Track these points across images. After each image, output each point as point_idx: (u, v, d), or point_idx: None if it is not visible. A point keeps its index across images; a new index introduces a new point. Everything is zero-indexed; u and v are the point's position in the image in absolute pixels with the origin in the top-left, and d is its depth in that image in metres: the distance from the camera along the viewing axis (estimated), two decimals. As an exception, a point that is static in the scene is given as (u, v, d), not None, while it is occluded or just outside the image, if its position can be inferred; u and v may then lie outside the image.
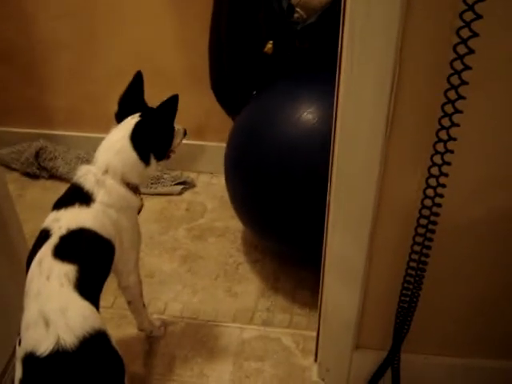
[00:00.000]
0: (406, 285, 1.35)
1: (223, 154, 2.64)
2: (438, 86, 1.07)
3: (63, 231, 1.36)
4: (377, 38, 1.07)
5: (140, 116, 1.57)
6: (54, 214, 1.43)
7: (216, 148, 2.62)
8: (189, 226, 2.46)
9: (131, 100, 1.63)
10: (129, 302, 1.77)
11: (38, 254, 1.33)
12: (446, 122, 1.10)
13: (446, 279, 1.40)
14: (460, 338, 1.55)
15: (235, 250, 2.34)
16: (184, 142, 2.63)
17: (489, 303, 1.45)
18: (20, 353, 1.19)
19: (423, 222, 1.24)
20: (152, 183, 2.59)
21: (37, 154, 2.68)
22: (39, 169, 2.71)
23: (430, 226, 1.24)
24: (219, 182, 2.67)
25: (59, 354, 1.15)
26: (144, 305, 1.80)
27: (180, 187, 2.62)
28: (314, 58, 2.00)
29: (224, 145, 2.61)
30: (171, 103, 1.60)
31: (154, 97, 2.54)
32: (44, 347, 1.15)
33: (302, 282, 2.17)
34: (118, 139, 1.53)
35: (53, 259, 1.30)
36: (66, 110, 2.72)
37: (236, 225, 2.43)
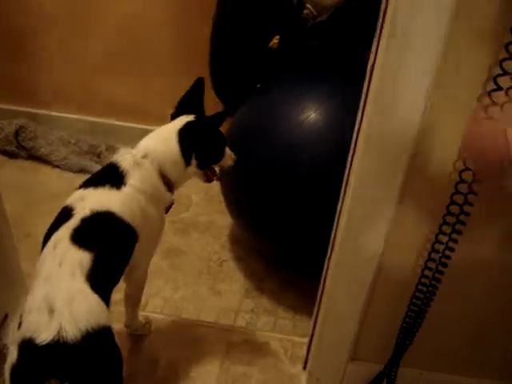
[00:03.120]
0: (414, 300, 1.32)
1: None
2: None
3: (86, 212, 1.28)
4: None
5: (195, 117, 1.55)
6: (80, 192, 1.36)
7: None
8: (172, 219, 2.38)
9: (189, 104, 1.61)
10: (127, 296, 1.69)
11: (54, 235, 1.24)
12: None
13: (454, 300, 1.37)
14: (458, 355, 1.51)
15: (219, 247, 2.27)
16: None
17: (492, 327, 1.42)
18: (18, 337, 1.10)
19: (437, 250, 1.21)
20: (136, 171, 2.51)
21: (16, 133, 2.57)
22: (18, 147, 2.59)
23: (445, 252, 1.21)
24: (204, 175, 2.61)
25: (59, 345, 1.07)
26: (139, 301, 1.74)
27: (165, 178, 2.54)
28: (322, 56, 1.95)
29: None
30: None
31: (145, 81, 2.47)
32: (44, 335, 1.07)
33: (287, 283, 2.12)
34: (165, 131, 1.51)
35: (69, 243, 1.21)
36: (52, 89, 2.62)
37: (221, 220, 2.37)
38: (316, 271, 2.14)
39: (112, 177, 1.39)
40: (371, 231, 1.25)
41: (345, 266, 1.34)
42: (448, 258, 1.22)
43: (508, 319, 1.38)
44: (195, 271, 2.16)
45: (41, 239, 1.28)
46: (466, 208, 1.14)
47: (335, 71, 1.92)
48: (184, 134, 1.49)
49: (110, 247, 1.29)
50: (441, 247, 1.22)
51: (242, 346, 1.83)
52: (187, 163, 1.50)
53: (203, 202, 2.48)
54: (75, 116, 2.57)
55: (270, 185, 1.81)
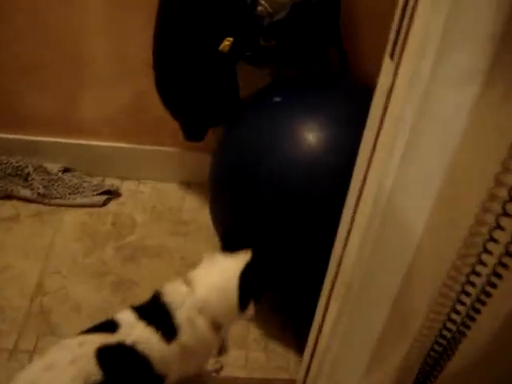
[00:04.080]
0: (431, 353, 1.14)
1: (152, 158, 2.34)
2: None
3: (129, 340, 1.24)
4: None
5: (252, 255, 1.39)
6: (134, 319, 1.29)
7: (143, 151, 2.30)
8: (117, 244, 2.11)
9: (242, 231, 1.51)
10: None
11: (91, 335, 1.24)
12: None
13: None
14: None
15: (174, 274, 2.00)
16: (107, 144, 2.30)
17: None
18: None
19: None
20: (70, 193, 2.21)
21: None
22: None
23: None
24: (147, 191, 2.35)
25: None
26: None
27: (103, 197, 2.26)
28: (280, 58, 1.74)
29: (155, 148, 2.31)
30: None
31: (75, 93, 2.17)
32: None
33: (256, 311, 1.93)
34: (225, 275, 1.37)
35: (93, 354, 1.18)
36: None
37: (172, 243, 2.13)
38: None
39: (165, 323, 1.31)
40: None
41: (351, 314, 1.14)
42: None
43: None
44: (150, 305, 1.92)
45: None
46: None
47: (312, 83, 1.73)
48: (245, 281, 1.34)
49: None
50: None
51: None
52: (243, 310, 1.37)
53: (149, 223, 2.22)
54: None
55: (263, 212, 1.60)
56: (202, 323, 1.32)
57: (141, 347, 1.24)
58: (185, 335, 1.29)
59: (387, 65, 0.88)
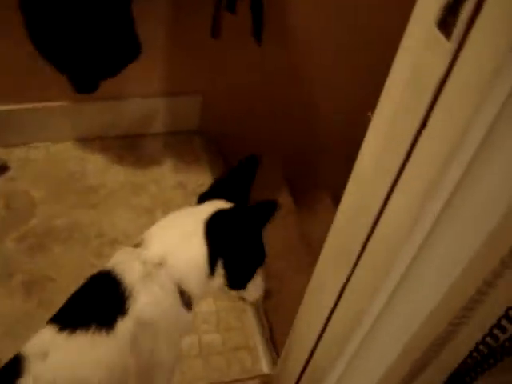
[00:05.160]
0: None
1: (38, 117, 1.98)
2: None
3: None
4: None
5: (231, 205, 1.07)
6: (47, 339, 0.90)
7: (27, 111, 1.92)
8: (18, 232, 1.74)
9: (230, 187, 1.12)
10: None
11: None
12: None
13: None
14: None
15: (95, 257, 1.73)
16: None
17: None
18: None
19: None
20: None
21: None
22: None
23: None
24: (40, 157, 1.97)
25: None
26: None
27: (-12, 175, 1.86)
28: None
29: (39, 104, 1.97)
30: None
31: None
32: None
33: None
34: (188, 221, 1.03)
35: None
36: None
37: (85, 217, 1.80)
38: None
39: (106, 302, 0.94)
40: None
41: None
42: None
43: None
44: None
45: None
46: None
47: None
48: (214, 227, 1.01)
49: None
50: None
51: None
52: (211, 271, 1.02)
53: (51, 198, 1.84)
54: None
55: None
56: (164, 280, 0.96)
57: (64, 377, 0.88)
58: (142, 299, 0.93)
59: (433, 41, 0.58)
